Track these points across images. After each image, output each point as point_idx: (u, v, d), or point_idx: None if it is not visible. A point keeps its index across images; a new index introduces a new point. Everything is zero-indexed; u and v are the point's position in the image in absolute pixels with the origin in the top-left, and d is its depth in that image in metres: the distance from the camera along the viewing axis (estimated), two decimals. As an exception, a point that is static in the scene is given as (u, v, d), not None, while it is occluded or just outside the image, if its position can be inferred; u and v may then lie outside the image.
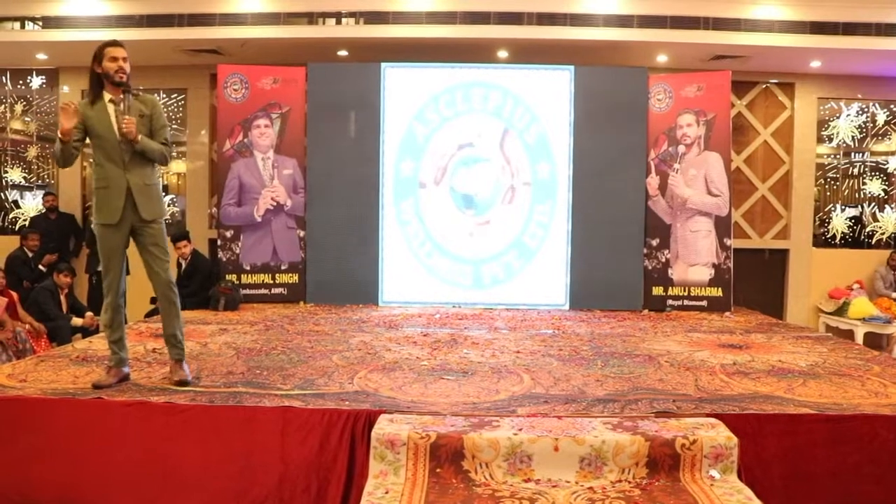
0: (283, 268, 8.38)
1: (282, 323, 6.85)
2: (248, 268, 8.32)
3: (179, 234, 8.06)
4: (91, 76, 4.28)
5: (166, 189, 9.71)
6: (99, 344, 5.56)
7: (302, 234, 8.39)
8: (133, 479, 3.64)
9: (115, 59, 4.23)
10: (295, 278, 8.39)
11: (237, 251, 8.32)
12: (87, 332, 7.11)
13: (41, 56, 8.94)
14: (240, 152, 8.35)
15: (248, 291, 8.20)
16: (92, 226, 4.37)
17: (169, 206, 9.68)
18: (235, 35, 8.14)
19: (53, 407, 3.82)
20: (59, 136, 4.13)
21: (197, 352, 5.32)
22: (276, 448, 3.64)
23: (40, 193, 9.52)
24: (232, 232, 8.32)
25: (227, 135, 8.35)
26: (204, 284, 7.79)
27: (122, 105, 4.21)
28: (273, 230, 8.37)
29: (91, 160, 4.56)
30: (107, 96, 4.26)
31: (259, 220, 8.34)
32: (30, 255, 8.25)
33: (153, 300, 7.75)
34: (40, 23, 8.29)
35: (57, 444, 3.72)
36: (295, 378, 4.52)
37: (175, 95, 9.53)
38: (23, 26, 8.37)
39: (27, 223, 9.32)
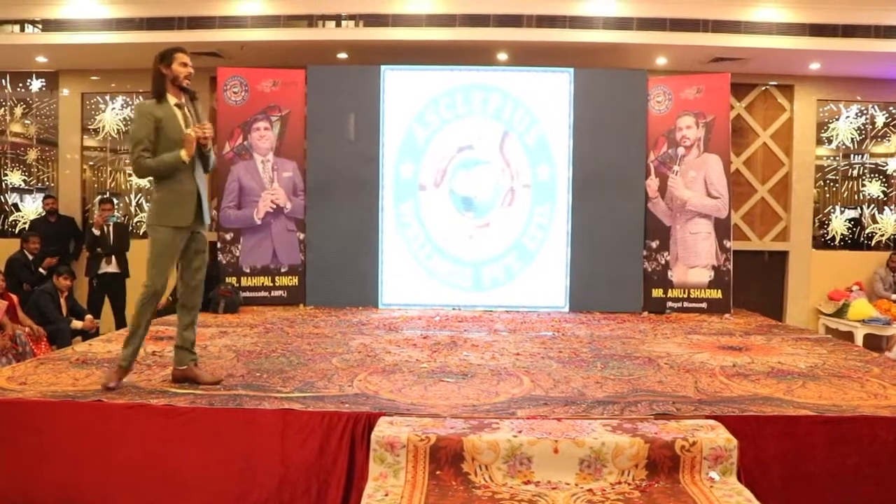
0: (282, 270, 8.39)
1: (281, 326, 6.85)
2: (247, 270, 8.32)
3: (179, 236, 8.05)
4: (156, 76, 4.29)
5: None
6: (98, 347, 5.57)
7: (302, 236, 8.39)
8: (133, 481, 3.65)
9: (185, 64, 4.29)
10: (295, 281, 8.40)
11: (237, 254, 8.32)
12: (86, 334, 7.11)
13: (41, 59, 8.95)
14: (239, 155, 8.35)
15: (247, 294, 8.20)
16: (149, 226, 4.31)
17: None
18: (235, 38, 8.15)
19: (53, 409, 3.83)
20: (183, 158, 4.19)
21: (197, 354, 5.31)
22: (275, 450, 3.64)
23: (40, 196, 9.53)
24: (231, 234, 8.33)
25: (226, 137, 8.36)
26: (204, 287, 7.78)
27: (186, 109, 4.29)
28: (273, 233, 8.37)
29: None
30: (171, 100, 4.28)
31: (259, 222, 8.34)
32: (30, 257, 8.25)
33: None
34: (40, 26, 8.30)
35: (57, 447, 3.72)
36: (295, 381, 4.52)
37: (175, 98, 9.52)
38: (22, 29, 8.38)
39: (27, 226, 9.33)
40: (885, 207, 9.64)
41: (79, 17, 8.14)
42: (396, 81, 8.32)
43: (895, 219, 9.62)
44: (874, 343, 8.26)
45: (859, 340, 8.15)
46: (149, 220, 4.35)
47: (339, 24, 8.26)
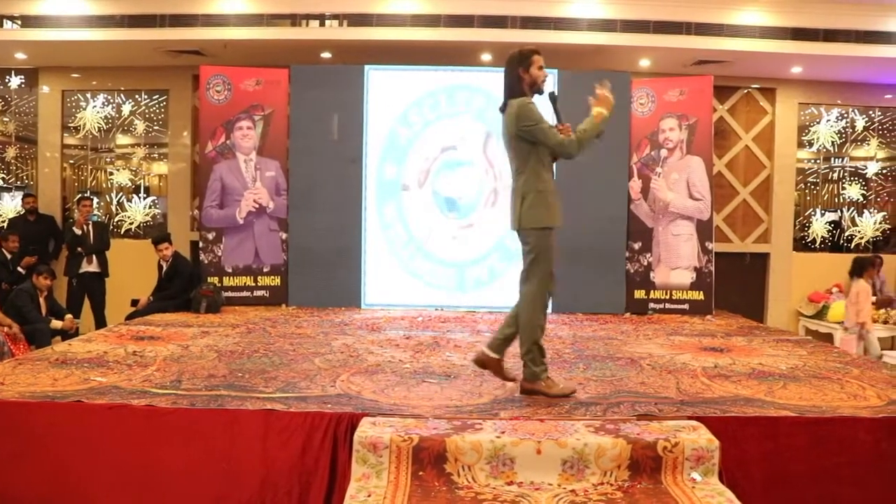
0: (265, 270, 8.35)
1: (264, 326, 6.82)
2: (229, 270, 8.28)
3: (161, 236, 8.02)
4: (513, 79, 4.36)
5: (147, 191, 9.67)
6: (78, 347, 5.51)
7: (284, 236, 8.36)
8: (114, 482, 3.61)
9: (542, 67, 4.31)
10: (277, 281, 8.36)
11: (219, 253, 8.28)
12: (66, 334, 7.04)
13: (20, 55, 8.86)
14: (222, 154, 8.31)
15: (229, 294, 8.16)
16: (534, 229, 4.24)
17: (150, 207, 9.63)
18: (218, 36, 8.11)
19: (32, 410, 3.78)
20: (604, 114, 4.33)
21: (178, 354, 5.28)
22: (258, 451, 3.61)
23: (19, 195, 9.43)
24: (214, 234, 8.28)
25: (209, 136, 8.31)
26: (185, 287, 7.74)
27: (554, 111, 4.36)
28: (255, 232, 8.33)
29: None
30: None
31: (241, 222, 8.30)
32: (8, 256, 8.17)
33: (133, 302, 7.71)
34: (19, 21, 8.22)
35: (36, 448, 3.68)
36: (277, 381, 4.50)
37: (157, 96, 9.47)
38: (1, 25, 8.30)
39: (6, 225, 9.21)
40: (865, 210, 9.74)
41: (59, 13, 8.07)
42: (380, 81, 8.31)
43: (874, 222, 9.71)
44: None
45: (839, 342, 8.21)
46: (530, 223, 4.24)
47: (322, 24, 8.24)
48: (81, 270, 8.28)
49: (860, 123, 9.60)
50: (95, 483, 3.63)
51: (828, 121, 9.57)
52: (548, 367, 4.33)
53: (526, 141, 4.23)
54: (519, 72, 4.31)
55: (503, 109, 4.40)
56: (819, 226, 9.71)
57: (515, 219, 4.29)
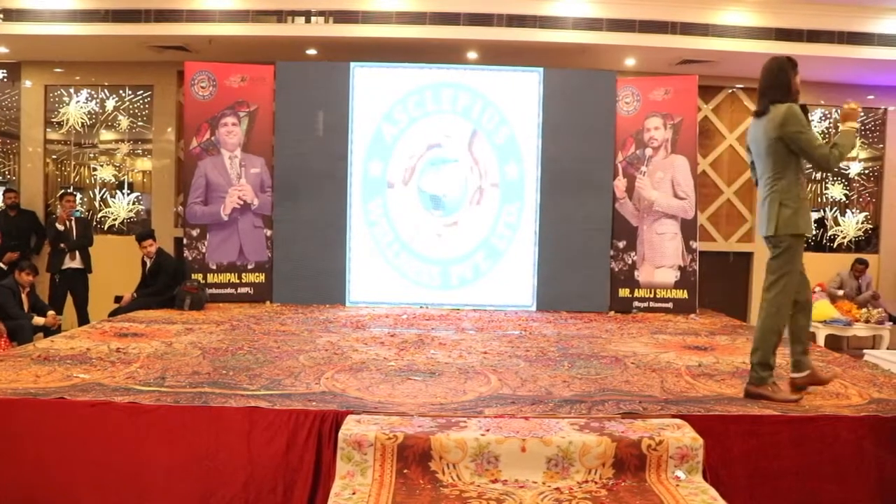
0: (249, 267, 8.32)
1: (248, 323, 6.79)
2: (214, 267, 8.24)
3: (145, 232, 7.97)
4: (785, 83, 4.22)
5: (131, 187, 9.61)
6: (60, 343, 5.48)
7: (269, 233, 8.33)
8: (98, 480, 3.59)
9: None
10: (261, 278, 8.33)
11: (203, 250, 8.23)
12: (48, 331, 6.98)
13: (2, 49, 8.78)
14: (207, 150, 8.27)
15: (214, 291, 8.12)
16: (791, 235, 4.19)
17: (134, 203, 9.57)
18: (203, 32, 8.07)
19: (14, 407, 3.75)
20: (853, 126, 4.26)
21: (162, 351, 5.26)
22: (242, 449, 3.60)
23: (1, 189, 9.34)
24: (198, 231, 8.24)
25: (193, 132, 8.27)
26: (169, 283, 7.70)
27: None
28: (240, 229, 8.30)
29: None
30: None
31: (226, 218, 8.27)
32: (-11, 252, 8.11)
33: (117, 299, 7.66)
34: (1, 15, 8.13)
35: (18, 446, 3.65)
36: (261, 378, 4.48)
37: (141, 92, 9.42)
38: (-17, 19, 8.23)
39: (-14, 220, 9.14)
40: (847, 210, 9.82)
41: (42, 6, 8.00)
42: (366, 78, 8.29)
43: (856, 221, 9.80)
44: (835, 343, 8.40)
45: (821, 341, 8.27)
46: (789, 229, 4.19)
47: (308, 20, 8.20)
48: (64, 266, 8.21)
49: (843, 124, 9.66)
50: (78, 480, 3.61)
51: (811, 121, 9.61)
52: (773, 372, 4.30)
53: (787, 147, 4.16)
54: (791, 76, 4.22)
55: (760, 114, 4.28)
56: (802, 225, 9.77)
57: (772, 225, 4.21)
